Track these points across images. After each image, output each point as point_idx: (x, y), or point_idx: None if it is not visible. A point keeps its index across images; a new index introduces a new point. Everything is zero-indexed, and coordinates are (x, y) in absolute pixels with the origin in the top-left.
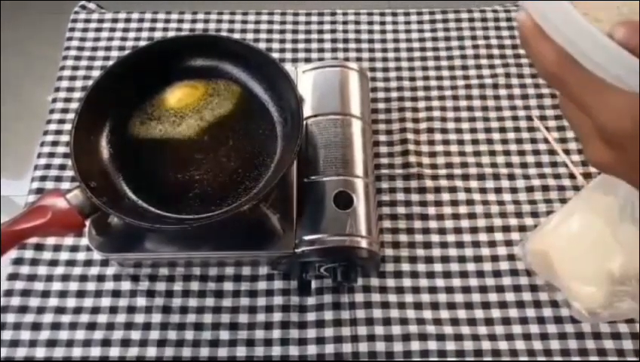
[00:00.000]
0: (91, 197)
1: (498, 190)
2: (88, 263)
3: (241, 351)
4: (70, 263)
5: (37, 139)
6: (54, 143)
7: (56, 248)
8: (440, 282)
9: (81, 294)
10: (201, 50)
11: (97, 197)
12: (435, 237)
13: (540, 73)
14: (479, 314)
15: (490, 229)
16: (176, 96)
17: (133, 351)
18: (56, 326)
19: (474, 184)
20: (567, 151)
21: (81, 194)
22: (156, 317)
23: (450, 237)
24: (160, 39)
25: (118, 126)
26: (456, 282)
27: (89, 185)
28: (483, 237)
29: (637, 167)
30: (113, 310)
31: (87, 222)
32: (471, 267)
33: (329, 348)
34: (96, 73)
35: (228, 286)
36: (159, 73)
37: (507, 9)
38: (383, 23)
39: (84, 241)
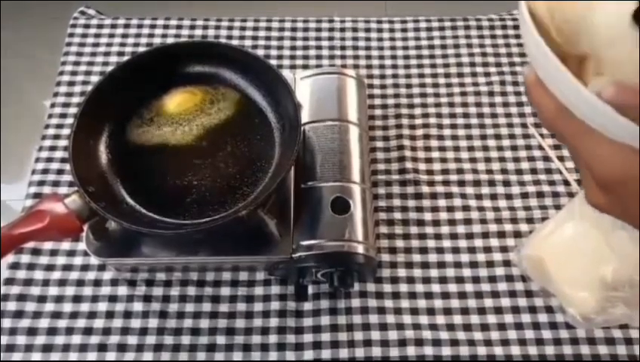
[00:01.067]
0: (89, 201)
1: (494, 196)
2: (85, 268)
3: (237, 356)
4: (67, 268)
5: (35, 143)
6: (52, 148)
7: (53, 253)
8: (436, 287)
9: (77, 299)
10: (200, 56)
11: (95, 201)
12: (431, 243)
13: (541, 122)
14: (475, 319)
15: (485, 235)
16: (175, 101)
17: (129, 356)
18: (52, 331)
19: (470, 190)
20: (561, 158)
21: (79, 199)
22: (153, 322)
23: (446, 243)
24: (159, 45)
25: (117, 131)
26: (452, 288)
27: (87, 189)
28: (479, 243)
29: (628, 211)
30: (110, 315)
31: (85, 227)
32: (467, 272)
33: (325, 354)
34: (94, 78)
35: (225, 291)
36: (158, 79)
37: (502, 18)
38: (380, 31)
39: (81, 246)
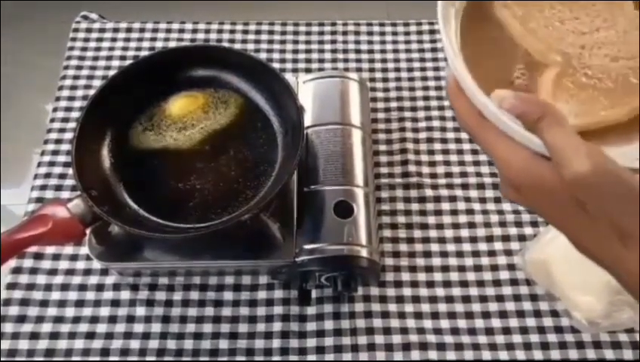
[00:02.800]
0: (92, 206)
1: (497, 199)
2: (88, 272)
3: (240, 361)
4: (69, 272)
5: (35, 148)
6: (55, 152)
7: (56, 257)
8: (440, 291)
9: (80, 303)
10: (202, 60)
11: (98, 206)
12: (434, 247)
13: (458, 124)
14: (479, 323)
15: (489, 238)
16: (178, 105)
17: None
18: (54, 335)
19: (473, 193)
20: None
21: (82, 203)
22: (156, 327)
23: (450, 247)
24: (162, 49)
25: (120, 135)
26: (457, 291)
27: (90, 194)
28: (483, 246)
29: (537, 210)
30: (112, 319)
31: (88, 231)
32: (471, 276)
33: (329, 358)
34: (97, 83)
35: (228, 295)
36: (161, 83)
37: None
38: (382, 34)
39: (84, 250)
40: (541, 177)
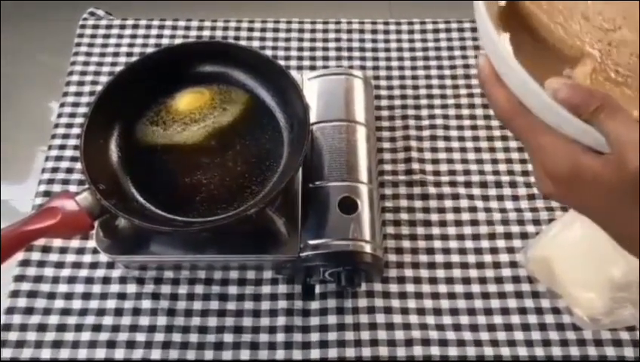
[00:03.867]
0: (100, 199)
1: (500, 197)
2: (94, 265)
3: (245, 355)
4: (76, 265)
5: (37, 146)
6: (62, 147)
7: (63, 250)
8: (443, 288)
9: (86, 296)
10: (209, 56)
11: (106, 199)
12: (437, 244)
13: (494, 114)
14: (482, 320)
15: (492, 236)
16: (185, 101)
17: (138, 353)
18: (61, 327)
19: (476, 191)
20: None
21: (90, 197)
22: (161, 320)
23: (453, 244)
24: (169, 45)
25: (127, 130)
26: (459, 288)
27: (98, 187)
28: (485, 243)
29: (577, 204)
30: (118, 312)
31: (95, 224)
32: (473, 273)
33: (332, 352)
34: (104, 79)
35: (232, 289)
36: (168, 79)
37: None
38: (386, 32)
39: (90, 244)
40: (592, 171)
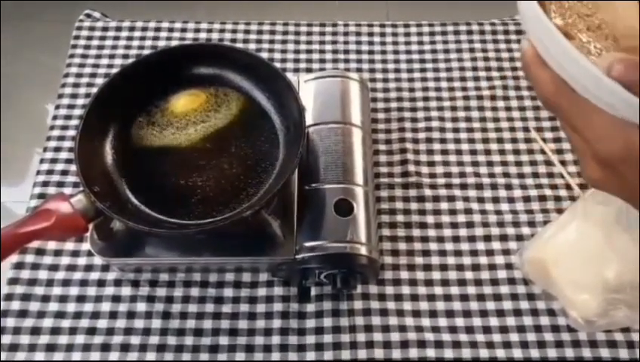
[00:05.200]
0: (95, 201)
1: (496, 199)
2: (89, 268)
3: (240, 357)
4: (71, 268)
5: (35, 147)
6: (57, 149)
7: (57, 253)
8: (438, 290)
9: (81, 299)
10: (205, 58)
11: (101, 201)
12: (433, 246)
13: (538, 98)
14: (477, 322)
15: (487, 238)
16: (180, 103)
17: (132, 356)
18: (56, 330)
19: (472, 193)
20: (563, 163)
21: (85, 199)
22: (156, 323)
23: (449, 246)
24: (164, 47)
25: (122, 132)
26: (455, 290)
27: (93, 189)
28: (481, 245)
29: (627, 187)
30: (113, 315)
31: (90, 227)
32: (469, 275)
33: (328, 355)
34: (99, 81)
35: (228, 292)
36: (163, 81)
37: (505, 22)
38: (383, 35)
39: (85, 246)
40: None
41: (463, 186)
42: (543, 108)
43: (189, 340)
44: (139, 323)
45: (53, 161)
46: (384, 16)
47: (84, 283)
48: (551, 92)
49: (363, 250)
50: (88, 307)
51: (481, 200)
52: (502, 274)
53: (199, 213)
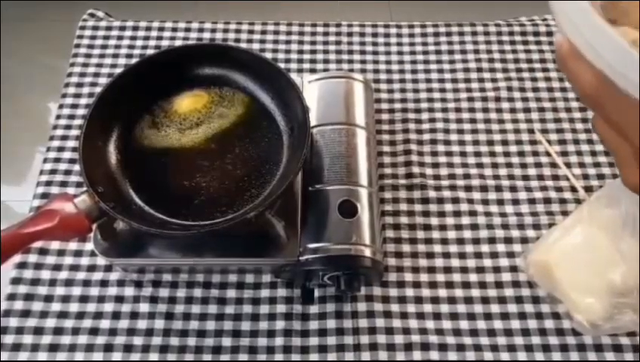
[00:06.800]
0: (99, 202)
1: (500, 202)
2: (92, 268)
3: (243, 359)
4: (74, 268)
5: (37, 146)
6: (60, 149)
7: (60, 253)
8: (442, 292)
9: (84, 299)
10: (209, 58)
11: (105, 202)
12: (437, 248)
13: (577, 94)
14: (481, 324)
15: (492, 240)
16: (184, 103)
17: (135, 357)
18: (58, 330)
19: (476, 195)
20: (568, 165)
21: (88, 199)
22: (159, 323)
23: (453, 248)
24: (169, 47)
25: (126, 132)
26: (459, 293)
27: (97, 190)
28: (485, 248)
29: None
30: (116, 315)
31: (94, 227)
32: (473, 278)
33: (331, 357)
34: (103, 80)
35: (231, 293)
36: (168, 81)
37: (510, 24)
38: (387, 36)
39: (88, 246)
40: None
41: (468, 188)
42: (548, 109)
43: (191, 341)
44: (142, 324)
45: (57, 160)
46: (387, 16)
47: (87, 283)
48: (591, 87)
49: (367, 252)
50: (91, 307)
51: (485, 202)
52: (506, 276)
53: (203, 213)
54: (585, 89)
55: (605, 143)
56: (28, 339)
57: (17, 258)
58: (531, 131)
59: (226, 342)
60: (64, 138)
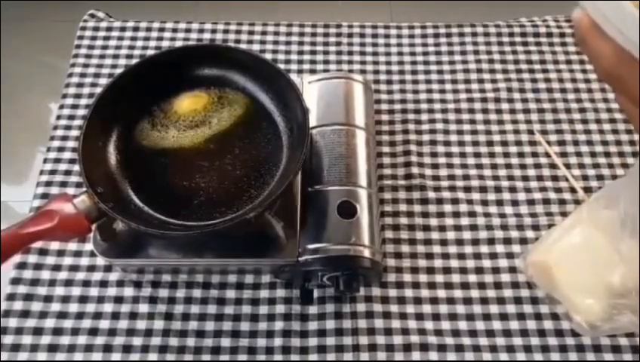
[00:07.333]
0: (98, 202)
1: (499, 202)
2: (91, 269)
3: (242, 359)
4: (73, 268)
5: (37, 146)
6: (60, 149)
7: (60, 253)
8: (441, 293)
9: (83, 299)
10: (209, 59)
11: (104, 202)
12: (436, 248)
13: (597, 72)
14: (480, 325)
15: (491, 241)
16: (184, 104)
17: (134, 357)
18: (58, 331)
19: (476, 196)
20: (567, 166)
21: (88, 200)
22: (158, 324)
23: (452, 249)
24: (169, 48)
25: (126, 133)
26: (458, 293)
27: (96, 190)
28: (484, 249)
29: None
30: (115, 316)
31: (93, 228)
32: (472, 278)
33: (330, 357)
34: (103, 81)
35: (230, 293)
36: (167, 81)
37: (510, 24)
38: (387, 36)
39: (88, 247)
40: None
41: (467, 189)
42: (548, 110)
43: (191, 341)
44: (141, 324)
45: (57, 160)
46: (387, 17)
47: (86, 283)
48: (611, 64)
49: (366, 253)
50: (90, 307)
51: (484, 203)
52: (505, 277)
53: (202, 214)
54: (605, 65)
55: (630, 120)
56: (27, 340)
57: (17, 258)
58: (531, 132)
59: (225, 342)
60: (64, 138)
